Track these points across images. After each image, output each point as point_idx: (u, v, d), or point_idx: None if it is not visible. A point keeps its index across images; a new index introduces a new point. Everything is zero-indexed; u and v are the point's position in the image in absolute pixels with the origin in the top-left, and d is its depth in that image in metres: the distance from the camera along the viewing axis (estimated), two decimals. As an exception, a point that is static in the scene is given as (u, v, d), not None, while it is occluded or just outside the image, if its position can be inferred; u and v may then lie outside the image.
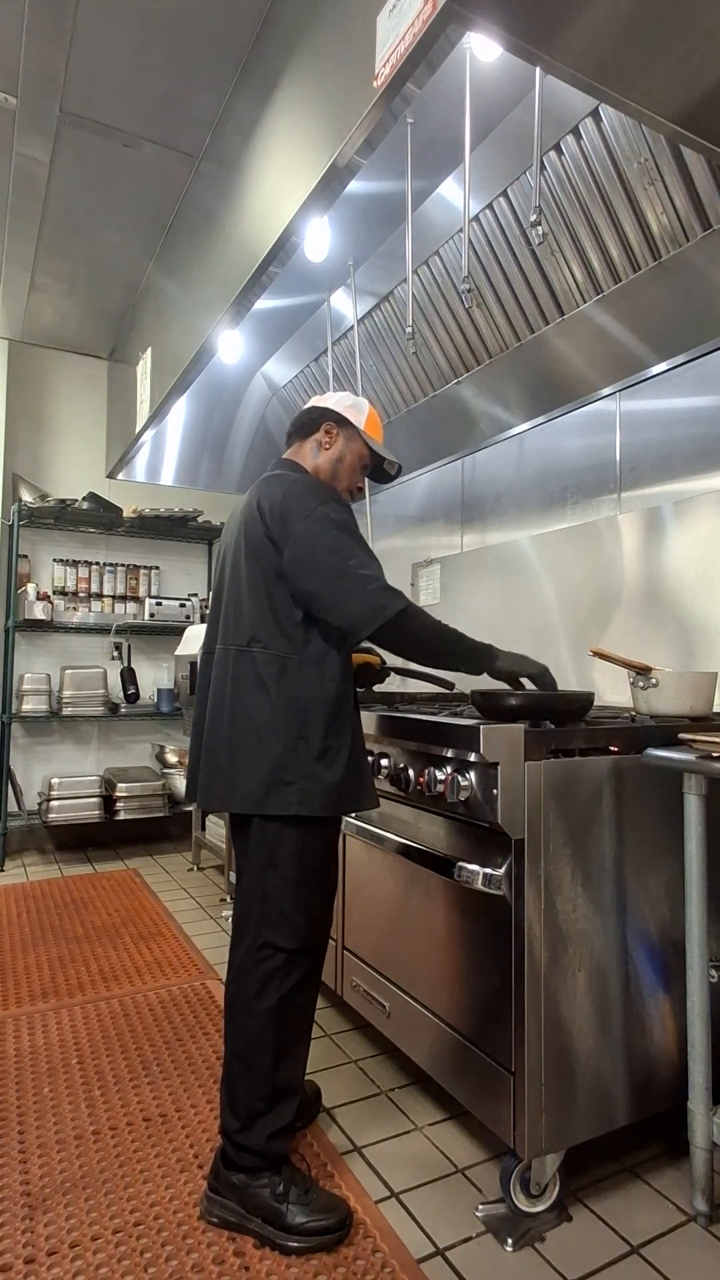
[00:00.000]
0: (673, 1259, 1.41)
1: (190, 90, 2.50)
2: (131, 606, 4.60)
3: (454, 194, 2.42)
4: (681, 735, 1.59)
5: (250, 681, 1.52)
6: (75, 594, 4.49)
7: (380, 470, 1.83)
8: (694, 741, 1.53)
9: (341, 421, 1.76)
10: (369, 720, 1.93)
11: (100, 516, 4.34)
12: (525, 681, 1.72)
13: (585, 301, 2.32)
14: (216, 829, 3.70)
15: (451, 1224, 1.50)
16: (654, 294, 2.15)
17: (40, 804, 4.13)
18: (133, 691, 4.32)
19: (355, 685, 1.99)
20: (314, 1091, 1.85)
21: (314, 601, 1.51)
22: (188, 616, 4.48)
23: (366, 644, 1.97)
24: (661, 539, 2.30)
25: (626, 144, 1.94)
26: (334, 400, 1.80)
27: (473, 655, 1.63)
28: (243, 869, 1.57)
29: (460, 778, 1.56)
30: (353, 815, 2.07)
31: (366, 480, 1.84)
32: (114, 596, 4.58)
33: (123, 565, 4.62)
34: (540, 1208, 1.51)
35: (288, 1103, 1.50)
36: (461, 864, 1.58)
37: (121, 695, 4.34)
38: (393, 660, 1.99)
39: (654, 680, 1.85)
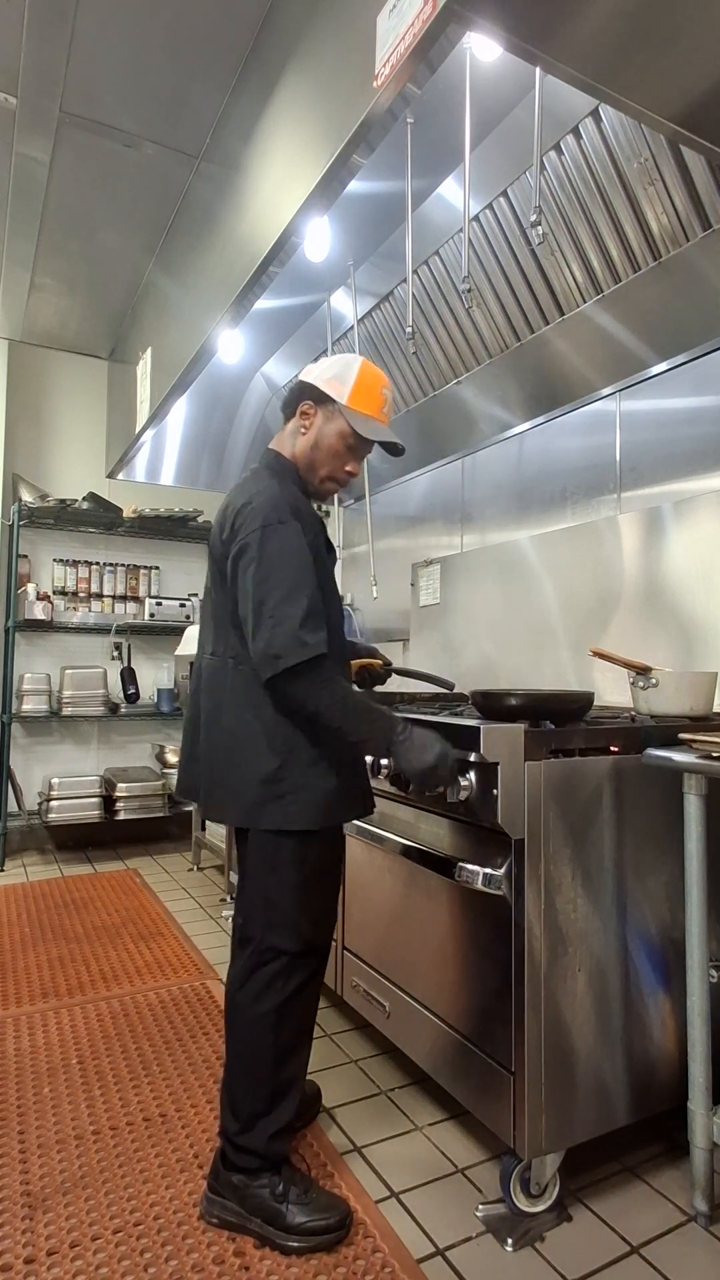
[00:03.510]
0: (673, 1259, 1.41)
1: (190, 90, 2.50)
2: (131, 606, 4.60)
3: (454, 194, 2.42)
4: (681, 735, 1.59)
5: (240, 695, 1.50)
6: (75, 594, 4.49)
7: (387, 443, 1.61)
8: (694, 741, 1.53)
9: (320, 398, 1.57)
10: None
11: (100, 516, 4.34)
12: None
13: (585, 301, 2.32)
14: (216, 829, 3.70)
15: (451, 1224, 1.50)
16: (654, 294, 2.15)
17: (40, 804, 4.13)
18: (133, 691, 4.32)
19: (358, 686, 1.98)
20: (314, 1091, 1.85)
21: (245, 627, 1.45)
22: (188, 616, 4.48)
23: (369, 646, 1.97)
24: (661, 539, 2.30)
25: (626, 144, 1.94)
26: (317, 371, 1.60)
27: (371, 735, 1.45)
28: (244, 873, 1.56)
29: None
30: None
31: (366, 463, 1.70)
32: (114, 596, 4.58)
33: (123, 565, 4.62)
34: (540, 1208, 1.51)
35: (288, 1103, 1.49)
36: (461, 864, 1.58)
37: (121, 695, 4.34)
38: (394, 661, 1.99)
39: (654, 680, 1.84)
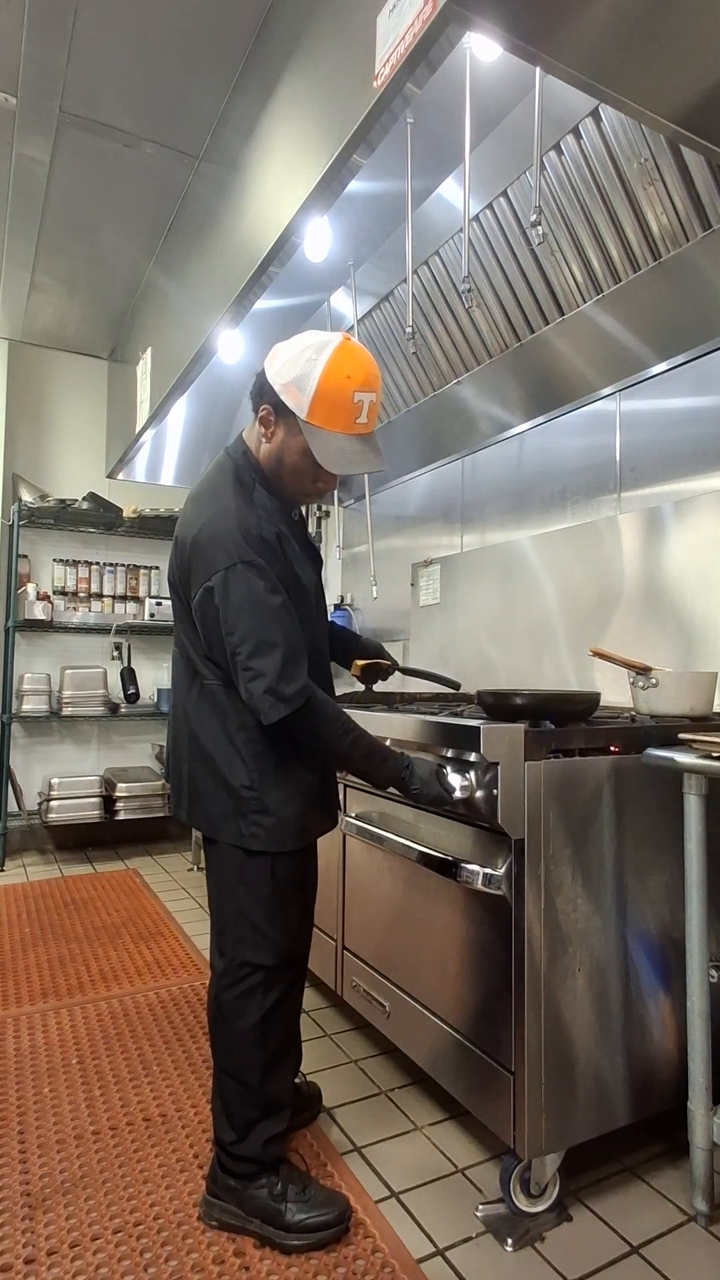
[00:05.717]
0: (673, 1259, 1.41)
1: (190, 90, 2.50)
2: (131, 606, 4.60)
3: (454, 194, 2.41)
4: (681, 735, 1.59)
5: (207, 708, 1.47)
6: (75, 594, 4.49)
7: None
8: (694, 741, 1.53)
9: (280, 408, 1.38)
10: (369, 720, 1.92)
11: (100, 516, 4.34)
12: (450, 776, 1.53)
13: (585, 301, 2.32)
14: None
15: (451, 1224, 1.50)
16: (654, 294, 2.15)
17: (40, 804, 4.13)
18: (133, 691, 4.32)
19: (362, 683, 1.97)
20: (314, 1091, 1.85)
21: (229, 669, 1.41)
22: (188, 616, 4.47)
23: (377, 644, 1.97)
24: (661, 539, 2.30)
25: (626, 144, 1.94)
26: (280, 362, 1.37)
27: (378, 765, 1.44)
28: (213, 884, 1.52)
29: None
30: (352, 815, 2.07)
31: (343, 476, 1.49)
32: (114, 596, 4.58)
33: (123, 565, 4.62)
34: (540, 1208, 1.51)
35: (281, 1109, 1.49)
36: (462, 864, 1.58)
37: (121, 695, 4.34)
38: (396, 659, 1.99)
39: (654, 680, 1.84)
